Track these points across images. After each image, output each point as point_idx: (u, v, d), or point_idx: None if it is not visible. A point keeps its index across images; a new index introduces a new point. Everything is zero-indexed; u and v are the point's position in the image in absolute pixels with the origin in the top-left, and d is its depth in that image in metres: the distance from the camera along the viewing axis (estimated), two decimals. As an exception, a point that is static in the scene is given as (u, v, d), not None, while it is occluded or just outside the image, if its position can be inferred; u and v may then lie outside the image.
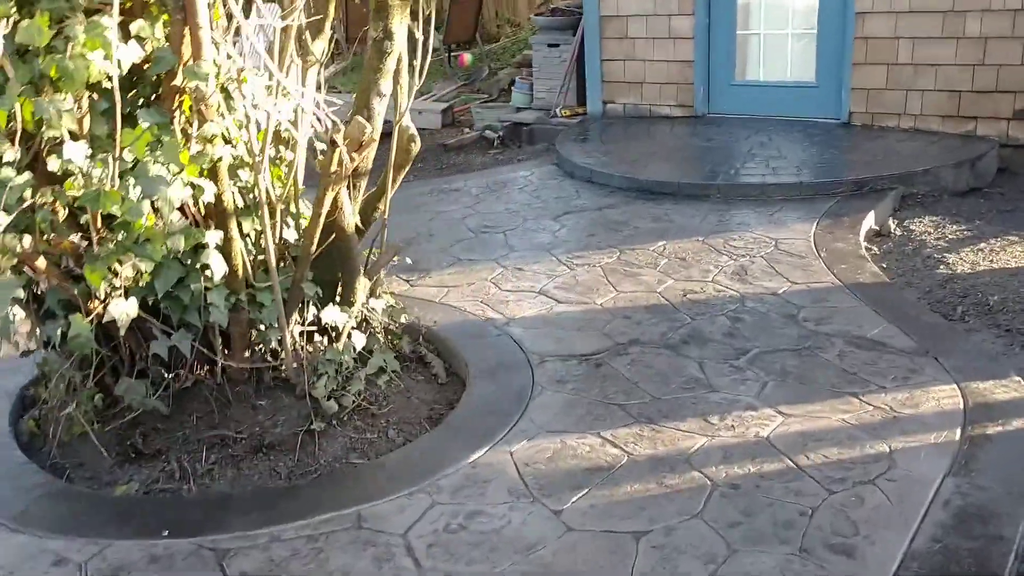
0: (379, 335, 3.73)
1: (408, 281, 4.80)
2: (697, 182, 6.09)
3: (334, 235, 3.31)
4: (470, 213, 5.98)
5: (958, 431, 3.19)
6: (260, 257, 3.25)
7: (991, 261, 4.84)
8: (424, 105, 9.37)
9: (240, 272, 3.06)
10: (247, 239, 3.17)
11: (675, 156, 6.72)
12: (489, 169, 7.38)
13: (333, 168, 3.02)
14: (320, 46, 3.91)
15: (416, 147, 3.74)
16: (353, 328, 3.54)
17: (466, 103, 10.14)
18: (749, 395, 3.49)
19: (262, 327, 3.19)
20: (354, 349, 3.49)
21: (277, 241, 3.22)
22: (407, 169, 3.81)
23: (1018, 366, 3.70)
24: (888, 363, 3.72)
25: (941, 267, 4.80)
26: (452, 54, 12.98)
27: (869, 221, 5.46)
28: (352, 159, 3.05)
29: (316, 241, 3.17)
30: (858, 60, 6.92)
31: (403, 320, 3.94)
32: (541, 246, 5.25)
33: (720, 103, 7.68)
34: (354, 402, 3.40)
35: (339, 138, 2.95)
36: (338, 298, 3.50)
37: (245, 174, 3.12)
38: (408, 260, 4.34)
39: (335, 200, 3.19)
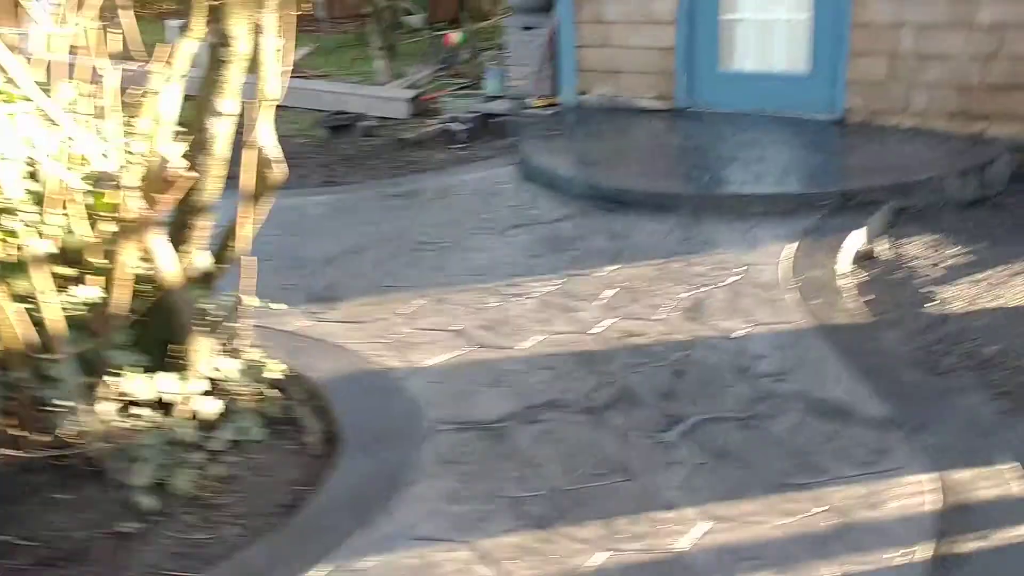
0: (240, 400, 3.11)
1: (314, 314, 4.16)
2: (666, 191, 5.40)
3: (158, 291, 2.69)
4: (409, 224, 5.32)
5: (925, 547, 2.53)
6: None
7: (992, 297, 4.13)
8: (391, 92, 8.70)
9: (13, 344, 2.45)
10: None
11: (647, 158, 6.02)
12: (447, 169, 6.71)
13: (130, 215, 2.39)
14: (189, 48, 3.21)
15: (276, 173, 3.09)
16: (199, 395, 2.92)
17: (442, 89, 9.45)
18: (672, 485, 2.84)
19: (61, 404, 2.58)
20: (195, 422, 2.88)
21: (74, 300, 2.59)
22: (268, 200, 3.16)
23: (1011, 445, 3.03)
24: (852, 440, 3.05)
25: (933, 303, 4.11)
26: (437, 34, 12.27)
27: (856, 241, 4.76)
28: (155, 202, 2.42)
29: (120, 301, 2.55)
30: (856, 49, 6.17)
31: (280, 374, 3.32)
32: (476, 270, 4.60)
33: (704, 95, 6.95)
34: (189, 490, 2.79)
35: (131, 178, 2.32)
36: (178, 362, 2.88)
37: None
38: (270, 308, 3.61)
39: (147, 250, 2.56)
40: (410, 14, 11.66)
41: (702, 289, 4.24)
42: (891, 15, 5.97)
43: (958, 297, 4.15)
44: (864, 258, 4.72)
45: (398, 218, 5.46)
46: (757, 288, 4.23)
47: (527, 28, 7.99)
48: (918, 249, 4.72)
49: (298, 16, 12.44)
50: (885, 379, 3.44)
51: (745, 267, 4.45)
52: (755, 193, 5.21)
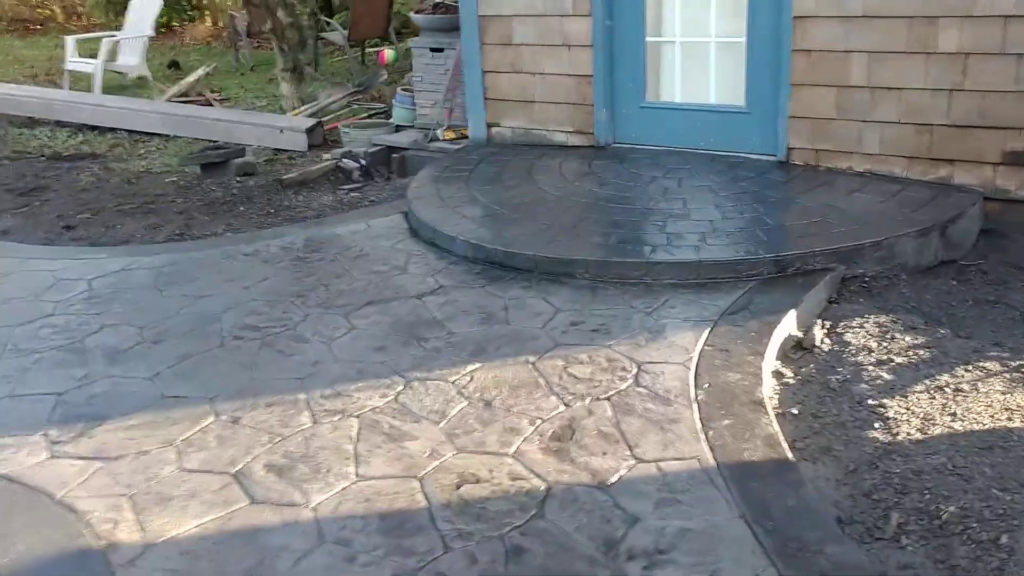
0: None
1: (57, 444, 3.13)
2: (561, 255, 4.40)
3: None
4: (243, 299, 4.30)
5: None
6: None
7: (954, 414, 3.16)
8: (286, 121, 7.68)
9: None
10: None
11: (551, 209, 5.03)
12: (325, 217, 5.70)
13: None
14: None
15: None
16: None
17: (356, 115, 8.47)
18: None
19: None
20: None
21: None
22: None
23: None
24: None
25: (876, 424, 3.13)
26: (366, 51, 11.32)
27: (787, 326, 3.79)
28: None
29: None
30: (798, 80, 5.21)
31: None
32: (298, 370, 3.58)
33: (628, 130, 5.99)
34: None
35: None
36: None
37: None
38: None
39: None
40: (331, 30, 10.67)
41: (579, 403, 3.24)
42: (837, 39, 5.02)
43: (910, 413, 3.17)
44: (796, 348, 3.76)
45: (234, 288, 4.43)
46: (652, 400, 3.24)
47: (435, 50, 7.01)
48: (864, 336, 3.75)
49: (214, 32, 11.26)
50: (805, 557, 2.46)
51: (641, 367, 3.46)
52: (669, 260, 4.23)
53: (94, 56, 10.04)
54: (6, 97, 8.71)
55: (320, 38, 10.93)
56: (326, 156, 6.93)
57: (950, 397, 3.26)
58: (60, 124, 8.58)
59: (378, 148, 6.94)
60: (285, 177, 6.39)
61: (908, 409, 3.20)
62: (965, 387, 3.32)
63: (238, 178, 6.56)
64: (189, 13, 16.15)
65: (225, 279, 4.56)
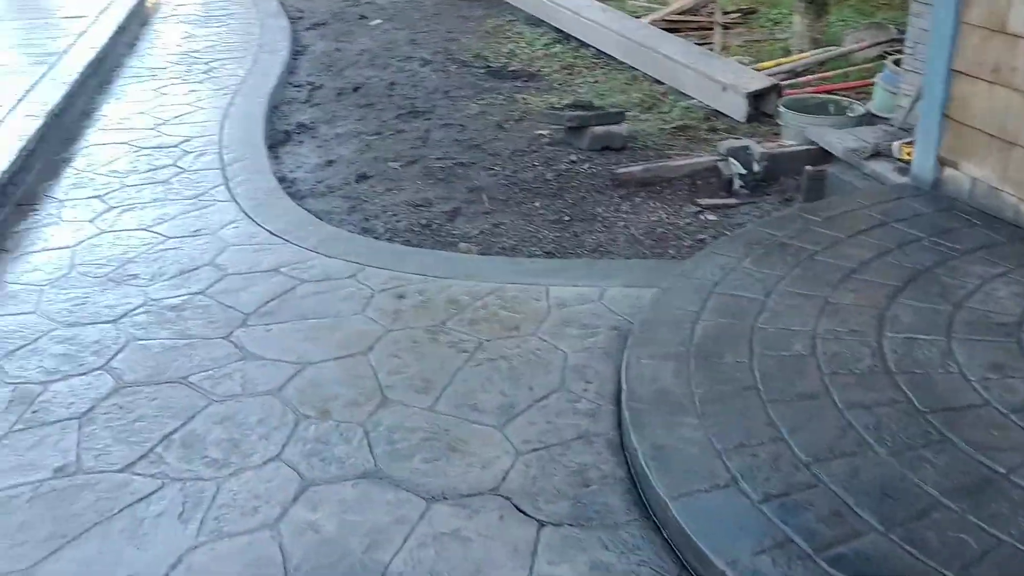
0: None
1: None
2: None
3: None
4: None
5: None
6: None
7: None
8: (736, 76, 5.54)
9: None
10: None
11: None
12: (582, 260, 3.87)
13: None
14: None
15: None
16: None
17: (862, 79, 5.91)
18: None
19: None
20: None
21: None
22: None
23: None
24: None
25: None
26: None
27: None
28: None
29: None
30: None
31: None
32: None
33: None
34: None
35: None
36: None
37: None
38: None
39: None
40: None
41: None
42: None
43: None
44: None
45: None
46: None
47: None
48: None
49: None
50: None
51: None
52: None
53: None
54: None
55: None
56: (722, 146, 4.81)
57: None
58: (557, 29, 7.61)
59: (807, 148, 4.62)
60: (620, 171, 4.55)
61: None
62: None
63: (587, 153, 4.90)
64: None
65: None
